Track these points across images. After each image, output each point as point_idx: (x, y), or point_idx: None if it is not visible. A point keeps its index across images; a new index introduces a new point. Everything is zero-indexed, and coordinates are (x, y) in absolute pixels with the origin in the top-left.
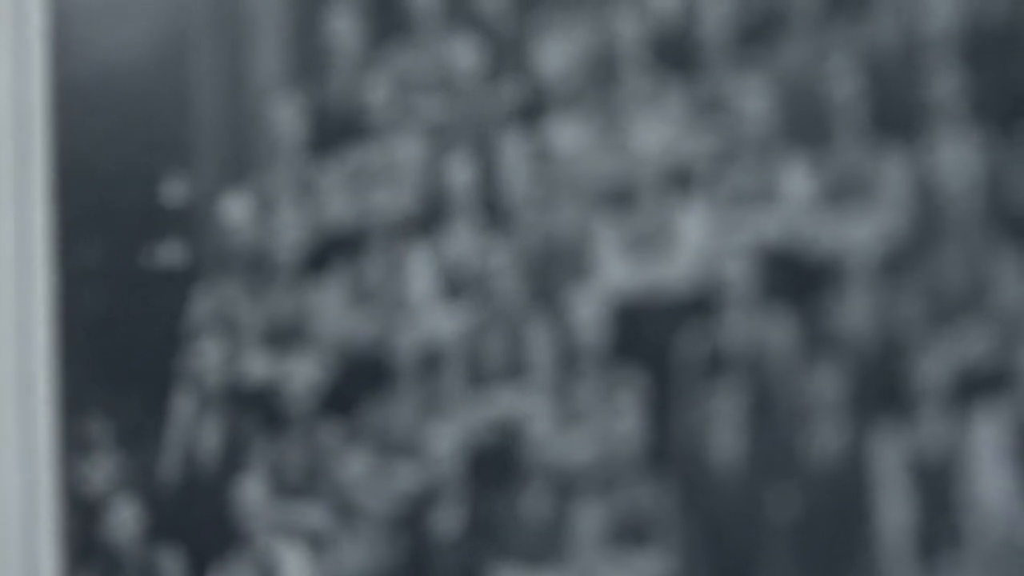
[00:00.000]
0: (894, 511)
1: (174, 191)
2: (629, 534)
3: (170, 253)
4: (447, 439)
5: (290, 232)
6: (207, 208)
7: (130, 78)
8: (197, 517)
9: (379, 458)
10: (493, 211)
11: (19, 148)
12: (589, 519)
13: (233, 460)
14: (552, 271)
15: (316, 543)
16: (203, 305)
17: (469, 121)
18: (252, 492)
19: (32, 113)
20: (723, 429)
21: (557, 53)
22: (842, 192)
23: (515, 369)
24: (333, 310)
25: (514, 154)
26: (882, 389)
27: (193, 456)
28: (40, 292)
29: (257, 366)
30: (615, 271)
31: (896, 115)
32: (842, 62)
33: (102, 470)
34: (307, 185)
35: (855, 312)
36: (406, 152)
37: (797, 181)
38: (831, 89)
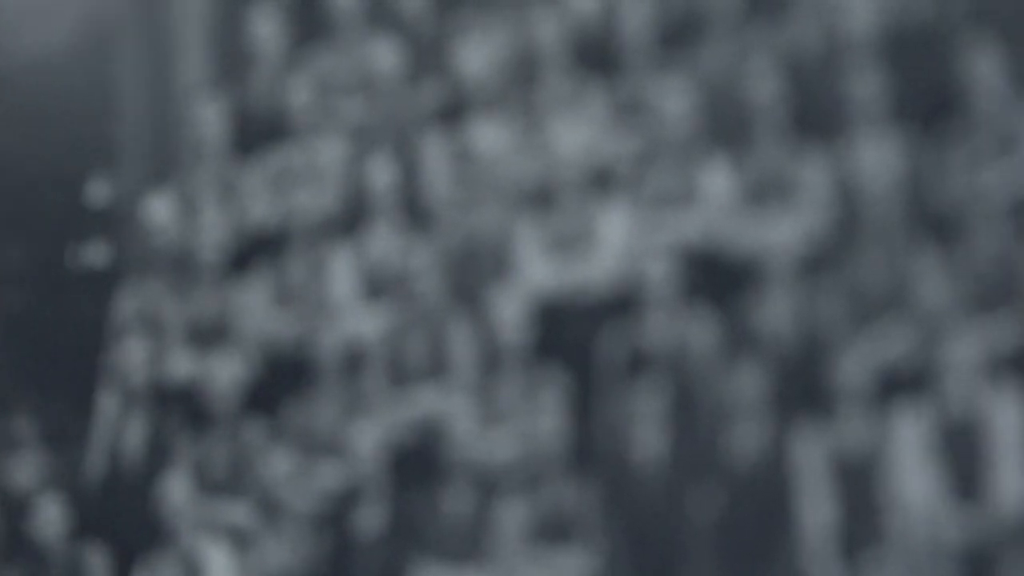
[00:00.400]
0: (816, 509)
1: (98, 192)
2: (552, 532)
3: (94, 254)
4: (370, 438)
5: (214, 232)
6: (131, 209)
7: (53, 78)
8: (123, 515)
9: (302, 456)
10: (414, 212)
11: None
12: (512, 517)
13: (158, 458)
14: (473, 271)
15: (240, 541)
16: (127, 305)
17: (390, 122)
18: (177, 490)
19: None
20: (645, 428)
21: (477, 55)
22: (763, 193)
23: (437, 368)
24: (256, 310)
25: (435, 155)
26: (803, 388)
27: (118, 454)
28: None
29: (181, 365)
30: (536, 271)
31: (816, 117)
32: (762, 64)
33: (27, 468)
34: (230, 186)
35: (776, 312)
36: (328, 153)
37: (718, 182)
38: (751, 91)
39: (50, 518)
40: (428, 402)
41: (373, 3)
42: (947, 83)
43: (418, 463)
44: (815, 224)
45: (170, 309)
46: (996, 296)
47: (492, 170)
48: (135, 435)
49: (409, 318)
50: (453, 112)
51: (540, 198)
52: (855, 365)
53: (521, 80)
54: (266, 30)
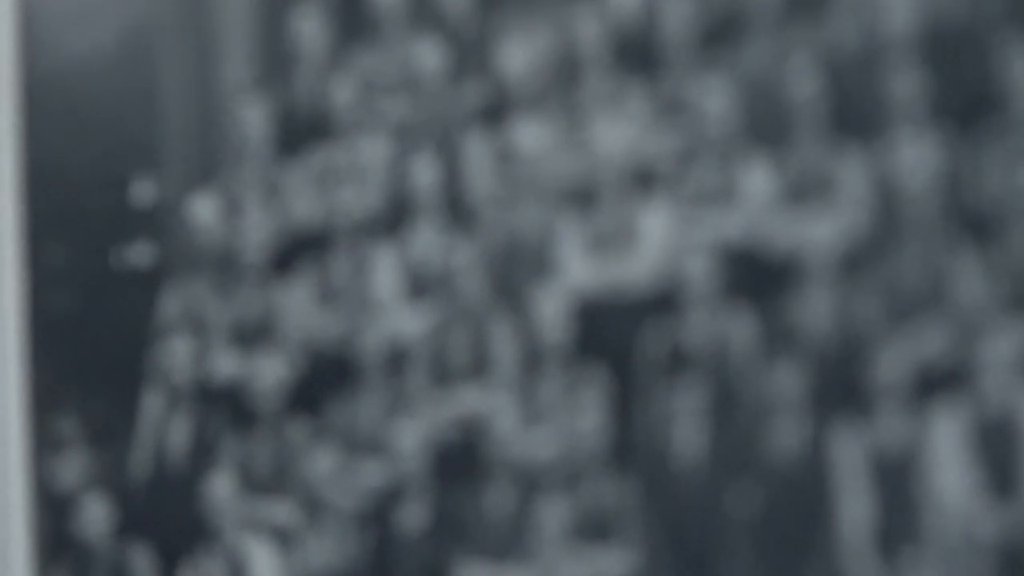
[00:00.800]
0: (854, 507)
1: (142, 192)
2: (592, 530)
3: (139, 253)
4: (412, 436)
5: (257, 232)
6: (175, 209)
7: (98, 80)
8: (167, 513)
9: (345, 455)
10: (457, 211)
11: None
12: (553, 515)
13: (202, 457)
14: (515, 270)
15: (284, 539)
16: (172, 304)
17: (433, 122)
18: (221, 488)
19: (0, 115)
20: (685, 426)
21: (519, 54)
22: (802, 191)
23: (479, 367)
24: (300, 309)
25: (477, 154)
26: (842, 386)
27: (163, 453)
28: (9, 292)
29: (225, 364)
30: (578, 270)
31: (855, 115)
32: (802, 63)
33: (73, 467)
34: (274, 186)
35: (815, 310)
36: (371, 153)
37: (758, 180)
38: (791, 90)
39: (95, 516)
40: (470, 400)
41: (416, 3)
42: (985, 82)
43: (460, 461)
44: (854, 222)
45: (214, 308)
46: None
47: (534, 168)
48: (179, 434)
49: (451, 316)
50: (495, 111)
51: (581, 196)
52: (893, 363)
53: (563, 79)
54: (309, 30)
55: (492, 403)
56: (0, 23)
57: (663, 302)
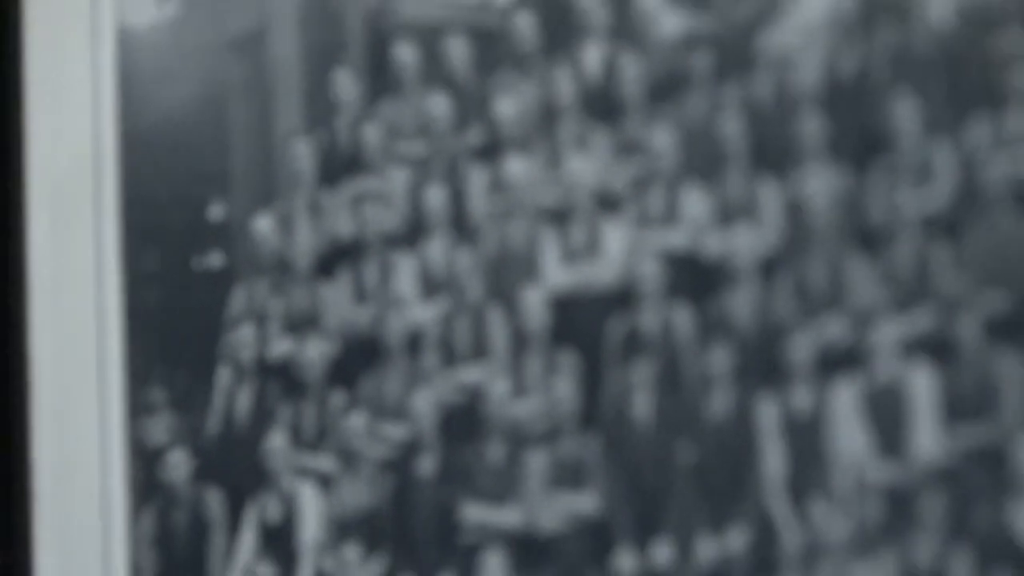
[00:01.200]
0: (772, 459)
1: (216, 212)
2: (566, 477)
3: (213, 259)
4: (426, 402)
5: (305, 243)
6: (241, 225)
7: (182, 126)
8: (234, 463)
9: (374, 417)
10: (461, 227)
11: (96, 180)
12: (536, 465)
13: (261, 419)
14: (507, 273)
15: (326, 482)
16: (239, 299)
17: (442, 157)
18: (276, 443)
19: (106, 153)
20: (639, 395)
21: (510, 105)
22: (730, 212)
23: (478, 349)
24: (338, 303)
25: (477, 182)
26: (762, 364)
27: (231, 416)
28: (112, 290)
29: (280, 346)
30: (555, 273)
31: (771, 152)
32: (729, 111)
33: (160, 427)
34: (318, 207)
35: (740, 304)
36: (394, 182)
37: (695, 203)
38: (721, 132)
39: (177, 465)
40: (471, 374)
41: (429, 66)
42: (874, 125)
43: (463, 422)
44: (770, 236)
45: (271, 302)
46: (912, 293)
47: (521, 194)
48: (244, 400)
49: (456, 309)
50: (491, 149)
51: (558, 216)
52: (802, 346)
53: (543, 124)
54: (346, 87)
55: (488, 376)
56: (104, 82)
57: (622, 298)
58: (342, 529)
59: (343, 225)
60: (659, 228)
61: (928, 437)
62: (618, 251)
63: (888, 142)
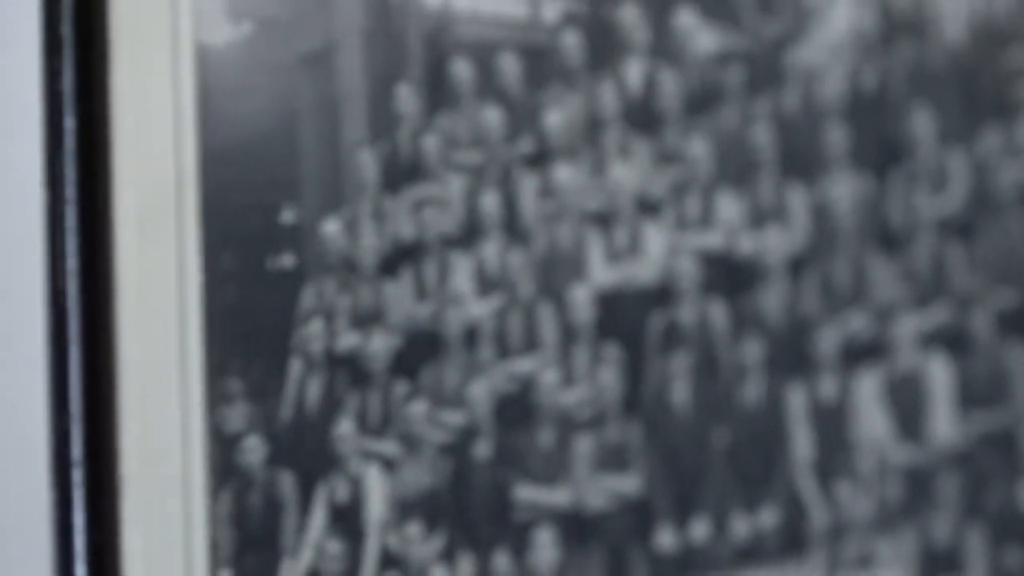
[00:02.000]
0: (801, 443)
1: (288, 216)
2: (611, 460)
3: (285, 260)
4: (482, 391)
5: (370, 244)
6: (312, 228)
7: (256, 137)
8: (305, 448)
9: (434, 405)
10: (513, 229)
11: (178, 189)
12: (582, 449)
13: (330, 407)
14: (555, 272)
15: (390, 466)
16: (309, 297)
17: (495, 165)
18: (344, 429)
19: (187, 164)
20: (677, 384)
21: (558, 117)
22: (761, 215)
23: (530, 342)
24: (401, 300)
25: (527, 188)
26: (791, 355)
27: (302, 404)
28: (193, 290)
29: (347, 340)
30: (600, 271)
31: (799, 160)
32: (761, 122)
33: (238, 415)
34: (382, 211)
35: (771, 300)
36: (451, 188)
37: (729, 207)
38: (753, 141)
39: (253, 450)
40: (523, 365)
41: (483, 81)
42: (893, 134)
43: (516, 409)
44: (798, 237)
45: (339, 299)
46: (929, 290)
47: (568, 199)
48: (314, 390)
49: (509, 305)
50: (540, 158)
51: (603, 219)
52: (828, 338)
53: (588, 135)
54: (407, 101)
55: (539, 367)
56: (185, 97)
57: (661, 294)
58: (405, 508)
59: (405, 228)
60: (695, 230)
61: (944, 422)
62: (658, 251)
63: (906, 150)
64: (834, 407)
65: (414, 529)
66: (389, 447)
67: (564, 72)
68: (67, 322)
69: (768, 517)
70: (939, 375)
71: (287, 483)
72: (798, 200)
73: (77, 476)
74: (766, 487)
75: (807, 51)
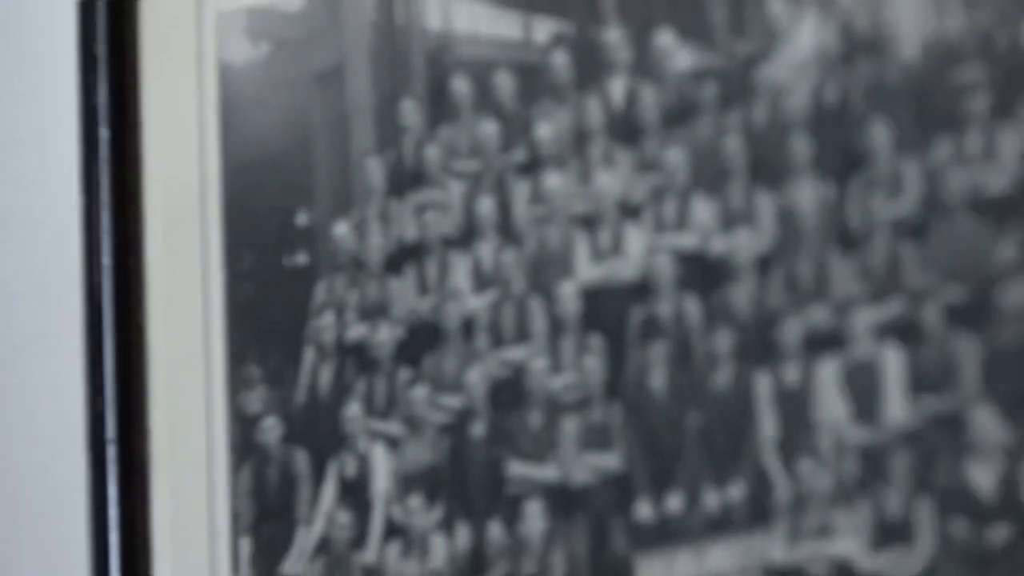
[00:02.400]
0: (767, 425)
1: (302, 219)
2: (594, 440)
3: (300, 258)
4: (478, 377)
5: (376, 244)
6: (324, 229)
7: (273, 147)
8: (317, 427)
9: (434, 390)
10: (506, 231)
11: (202, 194)
12: (569, 430)
13: (340, 391)
14: (545, 270)
15: (394, 444)
16: (321, 292)
17: (491, 173)
18: (353, 411)
19: (210, 171)
20: (655, 370)
21: (548, 129)
22: (732, 218)
23: (521, 333)
24: (405, 294)
25: (520, 194)
26: (758, 345)
27: (315, 389)
28: (216, 286)
29: (356, 331)
30: (585, 269)
31: (767, 168)
32: (733, 133)
33: (256, 399)
34: (388, 214)
35: (741, 295)
36: (451, 193)
37: (703, 211)
38: (726, 151)
39: (270, 430)
40: (515, 354)
41: (480, 96)
42: (853, 144)
43: (509, 393)
44: (765, 238)
45: (348, 294)
46: (884, 285)
47: (557, 203)
48: (326, 376)
49: (503, 300)
50: (532, 166)
51: (588, 222)
52: (791, 330)
53: (576, 145)
54: (411, 114)
55: (529, 355)
56: (208, 110)
57: (641, 290)
58: (407, 482)
59: (408, 229)
60: (672, 231)
61: (897, 406)
62: (638, 251)
63: (864, 159)
64: (797, 392)
65: (416, 501)
66: (393, 427)
67: (554, 88)
68: (102, 314)
69: (736, 491)
70: (892, 363)
71: (301, 459)
72: (766, 204)
73: (111, 453)
74: (735, 464)
75: (774, 69)
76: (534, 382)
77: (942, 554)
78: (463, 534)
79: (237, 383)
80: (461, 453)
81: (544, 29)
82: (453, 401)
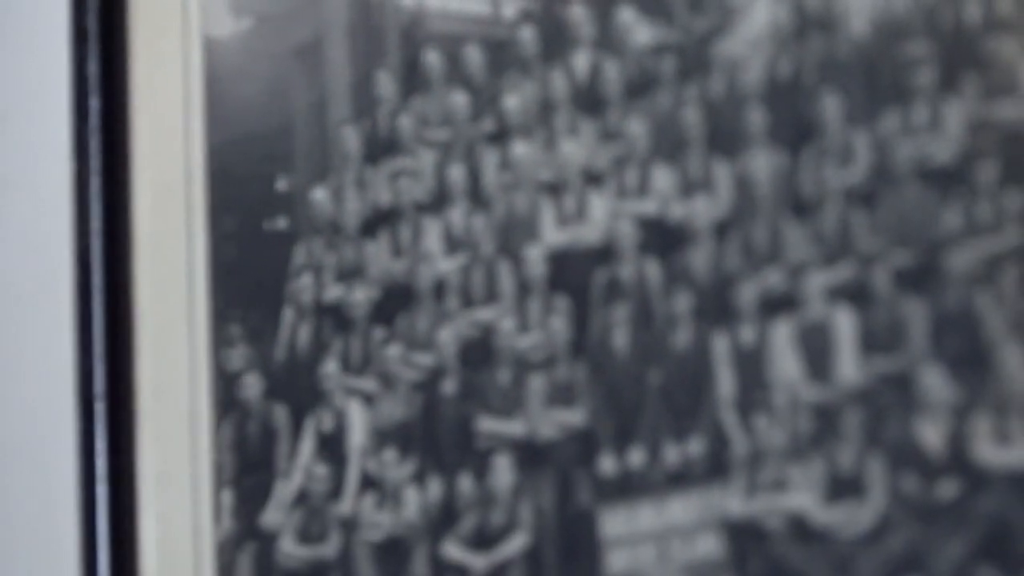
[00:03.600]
0: (724, 383)
1: (282, 184)
2: (560, 397)
3: (280, 223)
4: (449, 337)
5: (353, 209)
6: (303, 195)
7: (255, 118)
8: (296, 384)
9: (407, 348)
10: (476, 197)
11: (187, 162)
12: (535, 387)
13: (318, 349)
14: (513, 234)
15: (369, 400)
16: (300, 255)
17: (461, 142)
18: (330, 369)
19: (195, 140)
20: (618, 331)
21: (516, 100)
22: (690, 184)
23: (490, 294)
24: (380, 257)
25: (489, 162)
26: (716, 306)
27: (294, 347)
28: (200, 247)
29: (333, 292)
30: (551, 234)
31: (724, 138)
32: (691, 105)
33: (237, 356)
34: (363, 180)
35: (699, 259)
36: (423, 161)
37: (663, 178)
38: (685, 122)
39: (251, 386)
40: (485, 314)
41: (451, 69)
42: (806, 115)
43: (478, 352)
44: (722, 205)
45: (326, 257)
46: (836, 250)
47: (524, 171)
48: (304, 336)
49: (473, 263)
50: (500, 136)
51: (554, 189)
52: (748, 291)
53: (542, 116)
54: (385, 86)
55: (498, 316)
56: (194, 81)
57: (604, 254)
58: (382, 437)
59: (383, 195)
60: (634, 198)
61: (849, 365)
62: (601, 216)
63: (816, 129)
64: (753, 351)
65: (390, 455)
66: (368, 384)
67: (521, 61)
68: (91, 275)
69: (695, 446)
70: (844, 324)
71: (280, 415)
72: (722, 172)
73: (99, 408)
74: (694, 420)
75: (731, 44)
76: (502, 341)
77: (893, 508)
78: (434, 486)
79: (220, 341)
80: (433, 409)
81: (512, 5)
82: (425, 359)
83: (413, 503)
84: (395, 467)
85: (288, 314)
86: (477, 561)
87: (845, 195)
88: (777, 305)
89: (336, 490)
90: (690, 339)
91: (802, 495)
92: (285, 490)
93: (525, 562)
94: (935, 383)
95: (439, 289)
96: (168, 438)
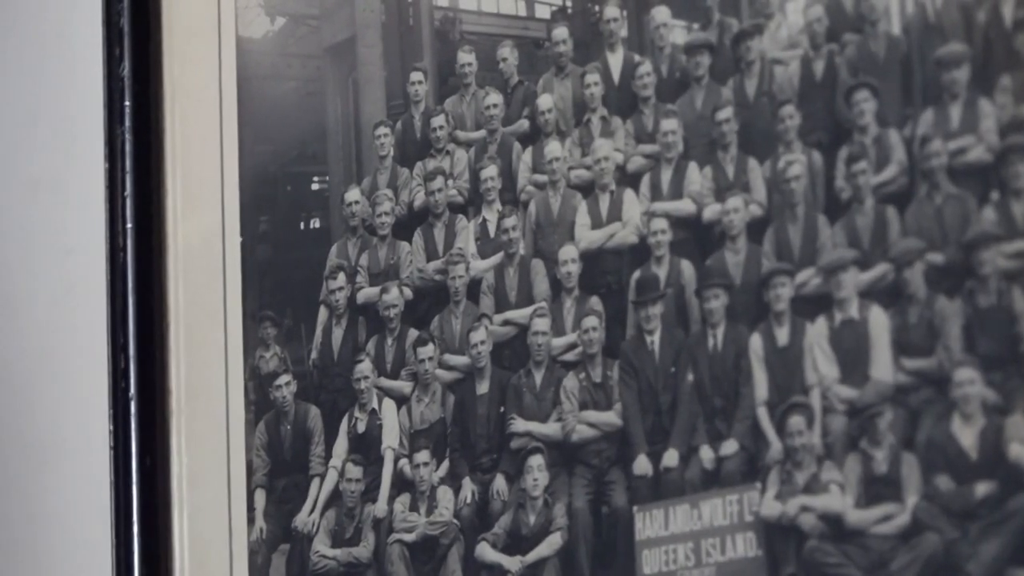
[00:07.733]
0: (760, 383)
1: (317, 185)
2: (594, 396)
3: (314, 222)
4: (483, 337)
5: (387, 210)
6: (338, 195)
7: (289, 118)
8: (330, 384)
9: (441, 350)
10: (511, 197)
11: (220, 160)
12: (570, 387)
13: (352, 350)
14: (547, 234)
15: (403, 400)
16: (334, 255)
17: (495, 142)
18: (365, 370)
19: (228, 139)
20: (653, 330)
21: (550, 101)
22: (726, 184)
23: (525, 295)
24: (414, 258)
25: (523, 162)
26: (751, 306)
27: (328, 348)
28: (234, 248)
29: (368, 293)
30: (586, 233)
31: (757, 139)
32: (726, 106)
33: (272, 357)
34: (397, 181)
35: (735, 259)
36: (457, 161)
37: (698, 179)
38: (719, 123)
39: (285, 387)
40: (519, 316)
41: (486, 70)
42: (841, 117)
43: (513, 353)
44: (758, 204)
45: (360, 257)
46: (871, 251)
47: (559, 171)
48: (338, 336)
49: (507, 263)
50: (535, 135)
51: (589, 188)
52: (783, 291)
53: (577, 116)
54: (419, 87)
55: (533, 317)
56: (227, 82)
57: (640, 253)
58: (415, 438)
59: (417, 196)
60: (668, 198)
61: (885, 366)
62: (635, 216)
63: (847, 130)
64: (789, 350)
65: (423, 455)
66: (402, 385)
67: (555, 61)
68: (125, 275)
69: (730, 446)
70: (879, 324)
71: (314, 415)
72: (757, 172)
73: (133, 408)
74: (728, 421)
75: (766, 44)
76: (536, 340)
77: (927, 508)
78: (468, 487)
79: (253, 342)
80: (466, 410)
81: (546, 5)
82: (459, 360)
83: (447, 504)
84: (429, 467)
85: (322, 315)
86: (511, 562)
87: (879, 194)
88: (812, 304)
89: (370, 491)
90: (725, 339)
91: (837, 496)
92: (318, 491)
93: (559, 563)
94: (971, 384)
95: (473, 290)
96: (201, 438)
